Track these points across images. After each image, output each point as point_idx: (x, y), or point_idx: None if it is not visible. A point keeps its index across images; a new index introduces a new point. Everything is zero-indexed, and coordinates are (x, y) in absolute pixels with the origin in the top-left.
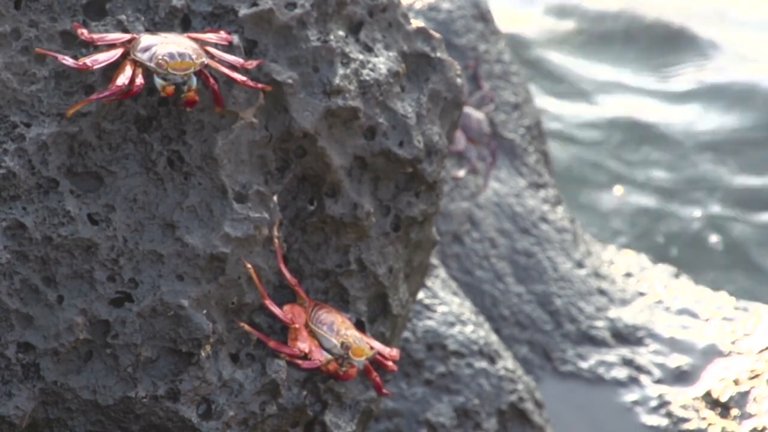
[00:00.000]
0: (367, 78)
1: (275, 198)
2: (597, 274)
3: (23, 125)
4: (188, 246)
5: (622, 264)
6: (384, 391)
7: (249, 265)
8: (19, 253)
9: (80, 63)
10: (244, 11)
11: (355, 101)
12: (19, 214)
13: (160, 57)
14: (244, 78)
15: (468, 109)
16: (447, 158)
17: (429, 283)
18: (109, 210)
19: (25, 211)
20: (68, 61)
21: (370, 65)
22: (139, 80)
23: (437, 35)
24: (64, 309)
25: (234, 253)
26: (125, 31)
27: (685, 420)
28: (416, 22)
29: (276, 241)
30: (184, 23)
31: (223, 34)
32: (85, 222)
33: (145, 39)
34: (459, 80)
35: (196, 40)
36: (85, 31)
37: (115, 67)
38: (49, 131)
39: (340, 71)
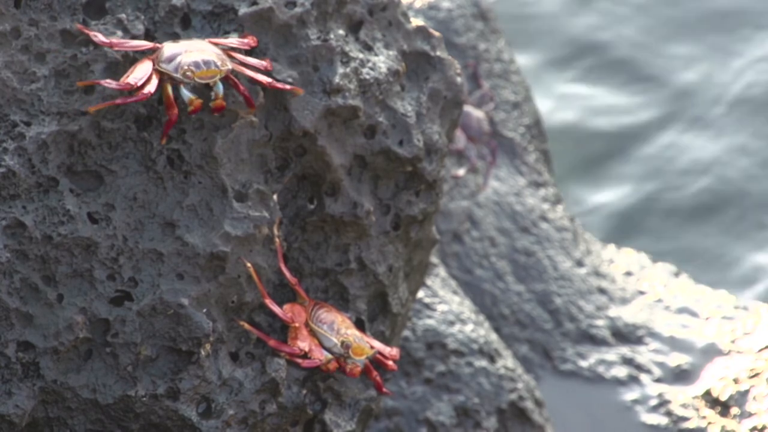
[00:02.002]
0: (367, 77)
1: (275, 197)
2: (597, 273)
3: (23, 124)
4: (188, 245)
5: (622, 263)
6: (384, 389)
7: (249, 264)
8: (19, 251)
9: (123, 84)
10: (243, 10)
11: (354, 100)
12: (19, 212)
13: (185, 67)
14: (269, 80)
15: (468, 108)
16: (447, 157)
17: (429, 281)
18: (108, 209)
19: (25, 209)
20: (112, 84)
21: (370, 64)
22: (151, 88)
23: (437, 34)
24: (63, 308)
25: (234, 251)
26: (125, 30)
27: (684, 419)
28: (416, 21)
29: (276, 239)
30: (183, 22)
31: (245, 39)
32: (85, 221)
33: (168, 48)
34: (459, 79)
35: (217, 45)
36: (99, 34)
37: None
38: (48, 130)
39: (340, 70)
